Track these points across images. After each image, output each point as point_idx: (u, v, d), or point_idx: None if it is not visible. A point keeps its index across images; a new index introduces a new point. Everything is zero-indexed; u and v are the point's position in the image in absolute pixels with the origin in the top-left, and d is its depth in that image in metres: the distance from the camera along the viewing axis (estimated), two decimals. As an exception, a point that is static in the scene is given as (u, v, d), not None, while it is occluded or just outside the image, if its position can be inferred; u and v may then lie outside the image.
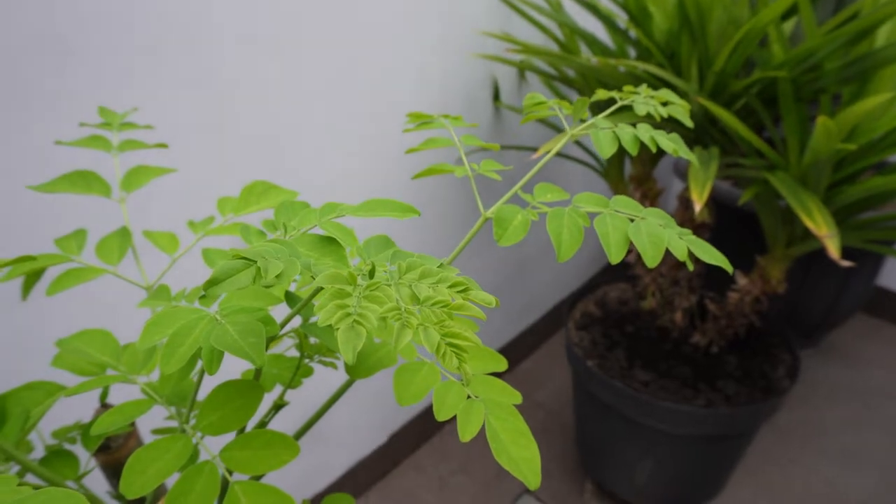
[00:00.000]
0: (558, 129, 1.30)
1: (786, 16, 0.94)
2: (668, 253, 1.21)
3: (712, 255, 0.29)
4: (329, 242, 0.27)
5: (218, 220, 0.39)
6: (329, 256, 0.26)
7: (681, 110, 0.39)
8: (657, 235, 0.29)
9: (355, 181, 1.04)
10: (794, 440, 1.51)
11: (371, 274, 0.24)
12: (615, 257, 0.28)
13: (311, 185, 0.96)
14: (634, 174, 1.21)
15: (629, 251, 1.22)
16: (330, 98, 0.94)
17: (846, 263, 0.71)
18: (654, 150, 0.35)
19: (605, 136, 0.35)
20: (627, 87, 0.42)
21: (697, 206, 0.71)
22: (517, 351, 1.73)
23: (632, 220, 0.30)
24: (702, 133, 0.96)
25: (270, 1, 0.80)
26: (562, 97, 1.30)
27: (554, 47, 1.25)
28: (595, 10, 1.02)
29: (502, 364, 0.32)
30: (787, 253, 1.00)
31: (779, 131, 0.96)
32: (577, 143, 1.32)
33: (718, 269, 1.31)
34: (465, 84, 1.19)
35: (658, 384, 1.16)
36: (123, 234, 0.36)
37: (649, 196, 1.19)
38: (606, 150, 0.34)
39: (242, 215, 0.39)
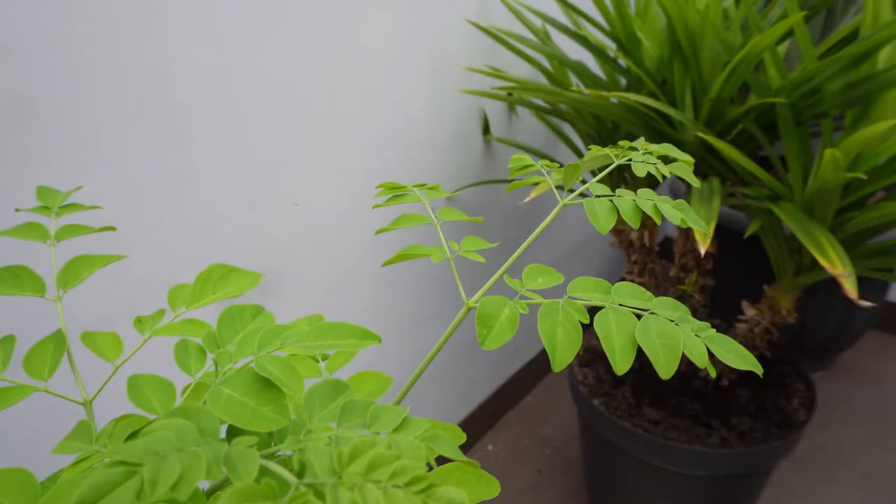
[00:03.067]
0: (550, 160, 1.26)
1: (780, 39, 0.90)
2: (670, 280, 1.17)
3: (739, 357, 0.25)
4: (269, 387, 0.22)
5: (169, 314, 0.35)
6: (268, 405, 0.21)
7: (684, 167, 0.34)
8: (671, 336, 0.24)
9: (345, 232, 1.00)
10: (812, 468, 1.45)
11: (301, 470, 0.19)
12: (621, 366, 0.24)
13: (301, 236, 0.92)
14: (631, 203, 1.17)
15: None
16: (309, 142, 0.90)
17: (866, 304, 0.66)
18: (658, 221, 0.30)
19: (601, 206, 0.30)
20: (623, 143, 0.38)
21: (703, 249, 0.66)
22: (520, 386, 1.67)
23: (639, 316, 0.26)
24: (700, 162, 0.92)
25: (243, 49, 0.77)
26: (555, 130, 1.26)
27: (543, 79, 1.22)
28: (583, 41, 0.99)
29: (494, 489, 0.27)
30: (796, 283, 0.95)
31: (776, 148, 0.92)
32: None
33: (727, 297, 1.26)
34: (453, 118, 1.15)
35: (668, 423, 1.10)
36: (58, 340, 0.32)
37: (647, 226, 1.15)
38: (604, 225, 0.29)
39: (197, 308, 0.35)
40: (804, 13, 0.72)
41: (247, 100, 0.79)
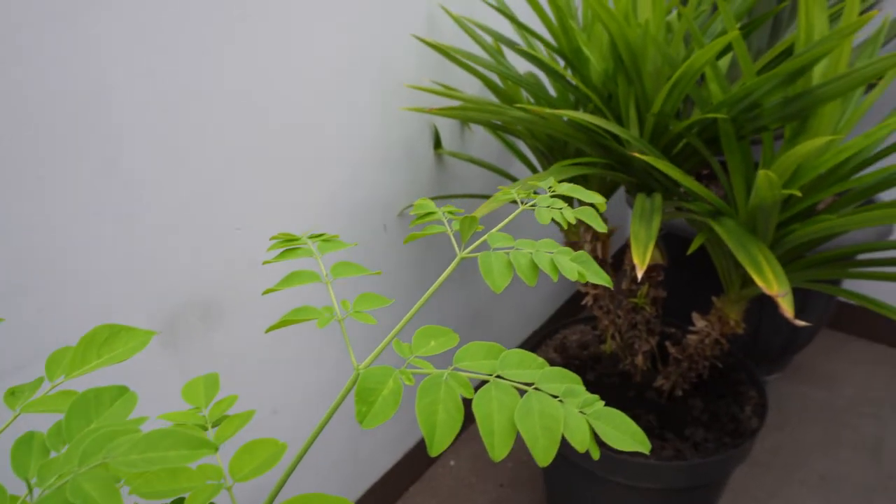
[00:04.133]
0: (507, 175, 1.25)
1: (721, 53, 0.90)
2: (623, 292, 1.16)
3: (626, 434, 0.23)
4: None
5: (46, 384, 0.32)
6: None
7: (591, 212, 0.33)
8: (552, 417, 0.23)
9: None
10: (769, 471, 1.46)
11: None
12: (499, 452, 0.22)
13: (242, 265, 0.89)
14: (584, 215, 1.16)
15: (584, 290, 1.17)
16: (253, 164, 0.87)
17: (801, 324, 0.66)
18: (554, 278, 0.29)
19: (497, 262, 0.29)
20: (532, 182, 0.36)
21: (639, 272, 0.66)
22: (482, 397, 1.66)
23: (525, 391, 0.24)
24: (647, 176, 0.92)
25: (182, 72, 0.73)
26: (508, 144, 1.25)
27: (493, 95, 1.20)
28: (532, 58, 0.97)
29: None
30: (743, 294, 0.96)
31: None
32: (524, 184, 1.27)
33: (684, 305, 1.26)
34: (404, 134, 1.13)
35: (624, 436, 1.10)
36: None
37: (600, 237, 1.15)
38: (499, 283, 0.28)
39: (78, 376, 0.32)
40: (737, 32, 0.72)
41: (186, 123, 0.76)
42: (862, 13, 0.72)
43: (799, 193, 0.69)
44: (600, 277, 0.30)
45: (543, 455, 0.22)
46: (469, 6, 1.16)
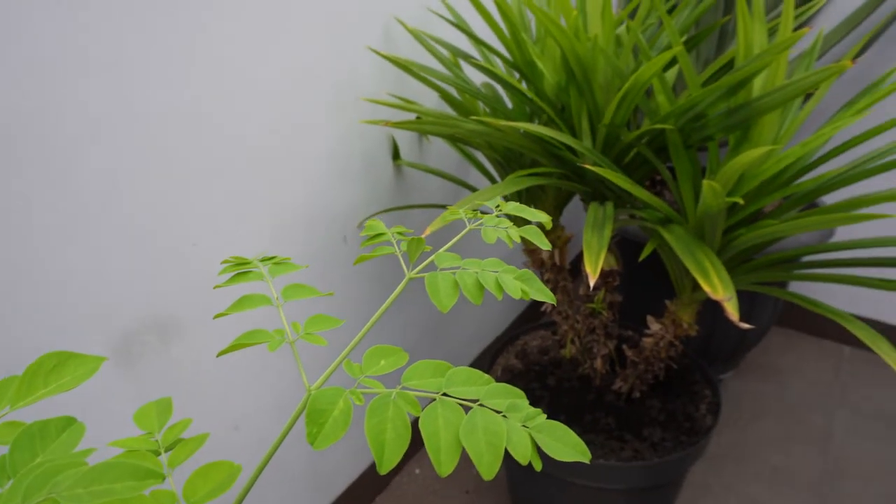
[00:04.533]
0: (465, 184, 1.26)
1: (667, 67, 0.93)
2: (580, 297, 1.19)
3: (568, 446, 0.24)
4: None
5: (-9, 413, 0.32)
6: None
7: (535, 231, 0.34)
8: (495, 433, 0.24)
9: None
10: (725, 466, 1.51)
11: None
12: (446, 467, 0.23)
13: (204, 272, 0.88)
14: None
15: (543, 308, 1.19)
16: (208, 178, 0.86)
17: (746, 326, 0.69)
18: (499, 297, 0.30)
19: (444, 282, 0.30)
20: (487, 193, 0.37)
21: (591, 280, 0.67)
22: (446, 404, 1.66)
23: (470, 408, 0.25)
24: (598, 186, 0.94)
25: (135, 85, 0.73)
26: (467, 155, 1.26)
27: (452, 108, 1.21)
28: (487, 71, 0.99)
29: None
30: (694, 297, 0.99)
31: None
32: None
33: (642, 308, 1.30)
34: (362, 146, 1.13)
35: (584, 439, 1.11)
36: None
37: (557, 244, 1.17)
38: (445, 303, 0.29)
39: (24, 406, 0.32)
40: (681, 47, 0.74)
41: (138, 139, 0.75)
42: (797, 28, 0.76)
43: (741, 201, 0.72)
44: (543, 295, 0.31)
45: (488, 469, 0.23)
46: (425, 19, 1.17)
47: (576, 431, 1.00)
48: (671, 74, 0.98)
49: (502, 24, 0.94)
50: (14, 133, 0.64)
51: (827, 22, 1.52)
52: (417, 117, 1.06)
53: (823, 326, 1.85)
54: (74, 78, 0.68)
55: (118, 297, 0.79)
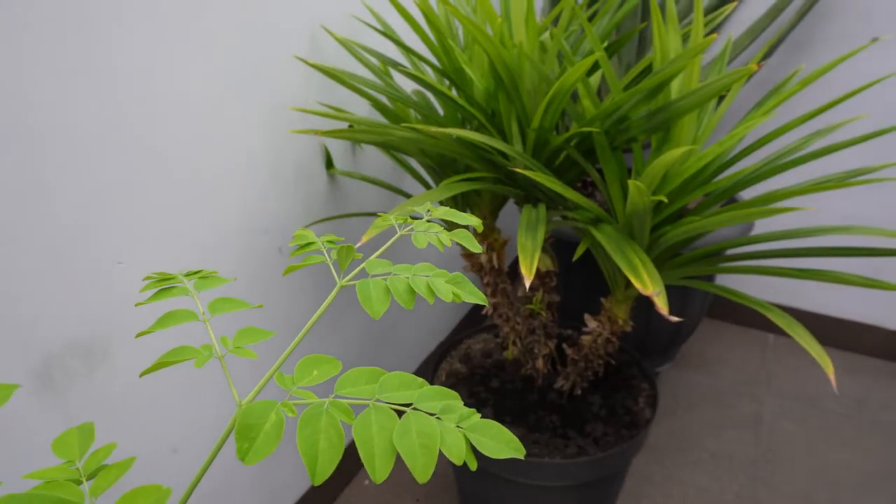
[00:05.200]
0: (400, 191, 1.27)
1: (591, 71, 0.97)
2: (519, 299, 1.21)
3: (502, 443, 0.25)
4: None
5: None
6: None
7: (466, 235, 0.35)
8: (429, 436, 0.24)
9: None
10: (666, 455, 1.56)
11: None
12: (381, 474, 0.23)
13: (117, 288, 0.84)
14: (478, 227, 1.20)
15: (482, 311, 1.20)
16: (132, 193, 0.83)
17: (675, 319, 0.72)
18: (430, 301, 0.30)
19: (376, 289, 0.30)
20: (420, 200, 0.38)
21: (527, 281, 0.69)
22: (392, 414, 1.65)
23: (403, 412, 0.25)
24: (531, 189, 0.96)
25: (45, 95, 0.69)
26: (401, 162, 1.26)
27: (383, 116, 1.21)
28: (416, 78, 1.00)
29: None
30: (628, 294, 1.02)
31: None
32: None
33: (580, 306, 1.33)
34: (294, 156, 1.12)
35: (529, 438, 1.14)
36: None
37: (495, 247, 1.19)
38: (377, 309, 0.29)
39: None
40: (602, 52, 0.77)
41: (51, 151, 0.72)
42: (707, 35, 0.80)
43: (665, 199, 0.75)
44: (475, 297, 0.32)
45: (422, 472, 0.23)
46: (353, 28, 1.17)
47: (521, 431, 1.01)
48: (595, 79, 1.02)
49: (429, 32, 0.95)
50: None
51: (734, 29, 1.61)
52: (350, 126, 1.06)
53: (748, 316, 1.95)
54: (-21, 93, 0.64)
55: (36, 320, 0.75)
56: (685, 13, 1.43)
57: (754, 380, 1.80)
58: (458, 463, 0.23)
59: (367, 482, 1.53)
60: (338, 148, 1.25)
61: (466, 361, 1.35)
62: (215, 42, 0.91)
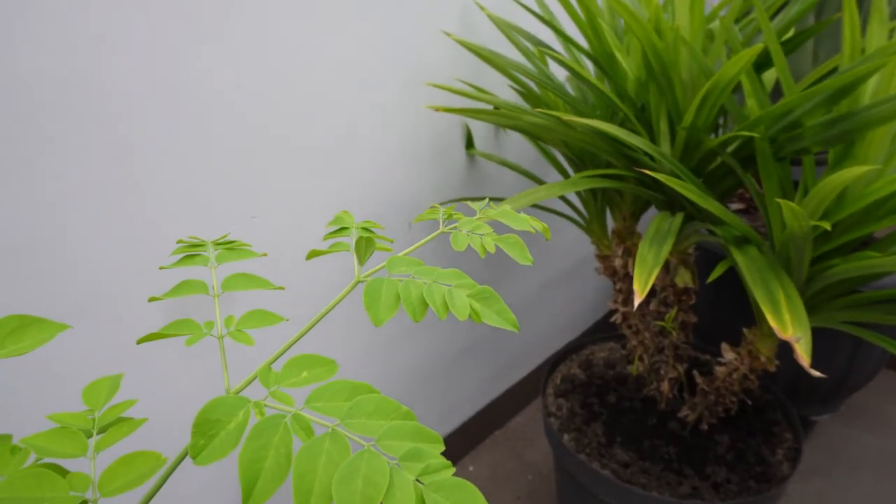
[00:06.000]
0: (538, 180, 1.21)
1: (762, 68, 0.83)
2: (651, 312, 1.10)
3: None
4: None
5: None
6: None
7: (516, 242, 0.29)
8: (375, 484, 0.20)
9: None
10: (808, 518, 1.35)
11: None
12: (311, 516, 0.19)
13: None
14: (617, 229, 1.11)
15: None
16: (270, 153, 0.87)
17: (816, 374, 0.59)
18: (441, 316, 0.26)
19: (387, 291, 0.26)
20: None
21: (637, 299, 0.60)
22: (509, 404, 1.62)
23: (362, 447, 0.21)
24: (674, 194, 0.86)
25: (206, 61, 0.74)
26: (543, 150, 1.20)
27: (525, 101, 1.16)
28: (563, 63, 0.93)
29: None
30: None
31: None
32: (562, 197, 1.22)
33: (718, 333, 1.18)
34: (432, 133, 1.10)
35: (639, 466, 1.04)
36: None
37: (632, 252, 1.09)
38: (382, 315, 0.25)
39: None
40: (774, 45, 0.65)
41: (207, 112, 0.77)
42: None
43: (828, 227, 0.62)
44: (502, 320, 0.26)
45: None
46: (507, 7, 1.12)
47: (631, 457, 0.92)
48: (769, 78, 0.87)
49: (580, 11, 0.87)
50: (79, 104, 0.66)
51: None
52: (495, 108, 1.01)
53: (947, 375, 1.62)
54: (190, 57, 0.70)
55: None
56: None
57: (941, 452, 1.50)
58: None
59: (471, 468, 1.51)
60: (480, 129, 1.21)
61: (587, 368, 1.27)
62: (369, 12, 0.91)
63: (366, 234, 0.27)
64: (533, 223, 0.31)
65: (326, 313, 0.27)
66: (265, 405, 0.24)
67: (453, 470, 0.21)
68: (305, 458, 0.21)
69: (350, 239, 0.30)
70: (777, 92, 0.91)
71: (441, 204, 1.19)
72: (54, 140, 0.66)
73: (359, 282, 0.28)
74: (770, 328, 0.88)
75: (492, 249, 0.29)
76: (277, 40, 0.82)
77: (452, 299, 0.25)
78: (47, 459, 0.29)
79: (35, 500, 0.27)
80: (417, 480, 0.20)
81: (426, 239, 0.31)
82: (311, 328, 0.27)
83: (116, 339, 0.76)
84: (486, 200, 0.32)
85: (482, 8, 1.05)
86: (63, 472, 0.30)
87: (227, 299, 0.87)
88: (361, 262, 0.28)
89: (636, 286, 0.62)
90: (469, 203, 0.32)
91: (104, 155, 0.70)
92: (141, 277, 0.77)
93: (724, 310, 1.39)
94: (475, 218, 0.31)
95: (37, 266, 0.68)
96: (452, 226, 0.30)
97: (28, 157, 0.65)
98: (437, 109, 0.90)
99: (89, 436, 0.31)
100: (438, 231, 0.31)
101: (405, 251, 0.29)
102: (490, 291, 0.27)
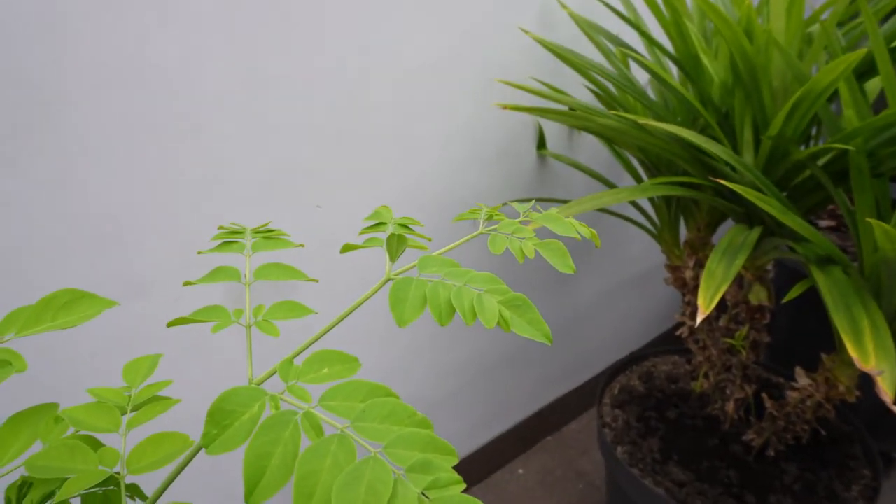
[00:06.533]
0: (609, 184, 1.16)
1: (867, 75, 0.76)
2: (721, 329, 1.04)
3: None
4: None
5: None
6: None
7: (557, 248, 0.28)
8: (377, 494, 0.19)
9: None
10: (882, 564, 1.25)
11: None
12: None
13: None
14: (690, 239, 1.06)
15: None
16: (339, 144, 0.88)
17: (896, 411, 0.54)
18: (468, 322, 0.24)
19: (416, 293, 0.25)
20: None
21: (700, 315, 0.57)
22: (564, 410, 1.58)
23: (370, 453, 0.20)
24: (752, 207, 0.80)
25: (278, 54, 0.76)
26: (616, 153, 1.16)
27: (601, 103, 1.11)
28: (643, 66, 0.89)
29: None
30: (859, 358, 0.81)
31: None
32: (634, 204, 1.17)
33: (796, 352, 1.11)
34: (503, 130, 1.09)
35: (695, 487, 0.99)
36: None
37: (704, 264, 1.03)
38: (407, 316, 0.24)
39: (28, 335, 0.33)
40: (881, 50, 0.59)
41: (274, 106, 0.79)
42: None
43: (927, 252, 0.56)
44: (533, 332, 0.25)
45: None
46: (588, 5, 1.08)
47: (688, 477, 0.88)
48: (871, 89, 0.80)
49: (664, 10, 0.83)
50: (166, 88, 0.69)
51: None
52: (570, 109, 0.98)
53: None
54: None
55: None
56: None
57: None
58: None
59: (521, 471, 1.49)
60: (552, 129, 1.18)
61: (647, 380, 1.22)
62: (446, 4, 0.90)
63: (398, 231, 0.26)
64: (580, 228, 0.29)
65: (353, 310, 0.27)
66: (282, 399, 0.24)
67: (463, 486, 0.20)
68: (310, 459, 0.20)
69: (385, 235, 0.29)
70: (880, 103, 0.83)
71: (509, 203, 1.18)
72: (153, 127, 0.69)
73: (388, 279, 0.27)
74: (850, 357, 0.82)
75: (531, 255, 0.28)
76: (351, 33, 0.83)
77: (482, 305, 0.24)
78: (84, 432, 0.30)
79: (67, 470, 0.28)
80: (423, 494, 0.19)
81: (462, 240, 0.30)
82: (336, 324, 0.27)
83: (168, 317, 0.79)
84: (532, 202, 0.31)
85: (564, 6, 1.02)
86: (96, 446, 0.31)
87: (265, 290, 0.89)
88: (392, 259, 0.27)
89: (700, 301, 0.59)
90: (514, 205, 0.31)
91: (181, 139, 0.73)
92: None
93: (803, 331, 1.31)
94: (516, 220, 0.29)
95: (99, 245, 0.71)
96: (492, 227, 0.29)
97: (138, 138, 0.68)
98: (504, 107, 0.89)
99: (123, 412, 0.32)
100: (477, 232, 0.30)
101: (440, 251, 0.28)
102: (523, 299, 0.25)
